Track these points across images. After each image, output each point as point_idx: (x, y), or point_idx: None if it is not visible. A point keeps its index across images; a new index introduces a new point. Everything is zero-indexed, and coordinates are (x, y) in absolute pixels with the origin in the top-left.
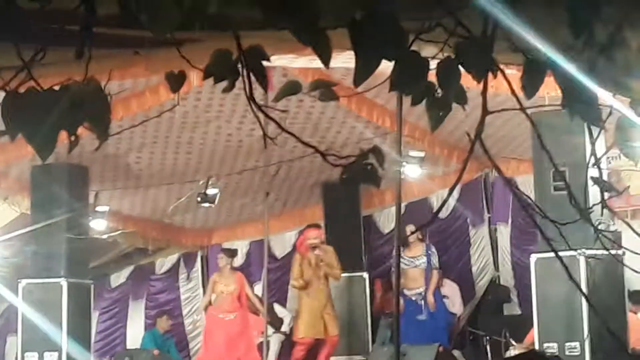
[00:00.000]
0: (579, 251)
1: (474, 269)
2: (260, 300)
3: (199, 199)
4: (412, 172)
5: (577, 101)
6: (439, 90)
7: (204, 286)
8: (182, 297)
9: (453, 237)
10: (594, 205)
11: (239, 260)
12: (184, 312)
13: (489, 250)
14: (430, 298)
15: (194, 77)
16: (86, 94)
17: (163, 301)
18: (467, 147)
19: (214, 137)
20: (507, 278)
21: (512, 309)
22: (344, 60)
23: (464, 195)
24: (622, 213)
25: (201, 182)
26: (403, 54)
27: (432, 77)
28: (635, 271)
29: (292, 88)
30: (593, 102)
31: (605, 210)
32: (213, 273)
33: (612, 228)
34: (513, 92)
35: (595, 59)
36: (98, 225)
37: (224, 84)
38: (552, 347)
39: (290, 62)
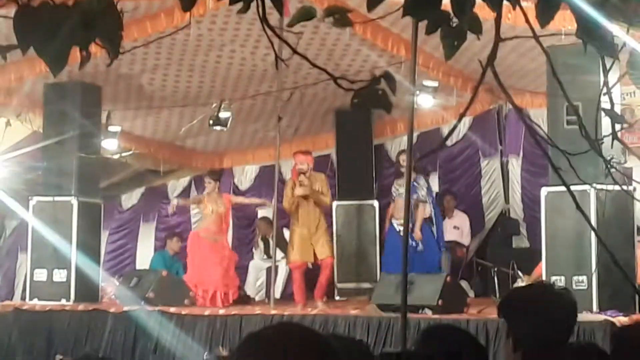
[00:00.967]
0: (590, 186)
1: (484, 200)
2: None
3: (211, 122)
4: (425, 101)
5: (591, 32)
6: (454, 19)
7: None
8: (193, 219)
9: (464, 166)
10: (604, 136)
11: (245, 184)
12: None
13: (500, 183)
14: (417, 231)
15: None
16: (98, 10)
17: (174, 223)
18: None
19: (228, 60)
20: (517, 211)
21: (521, 241)
22: None
23: (476, 126)
24: (635, 150)
25: (214, 106)
26: None
27: (447, 7)
28: None
29: (306, 13)
30: (607, 34)
31: (618, 147)
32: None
33: (625, 165)
34: (528, 21)
35: None
36: (110, 145)
37: (239, 5)
38: (559, 280)
39: None
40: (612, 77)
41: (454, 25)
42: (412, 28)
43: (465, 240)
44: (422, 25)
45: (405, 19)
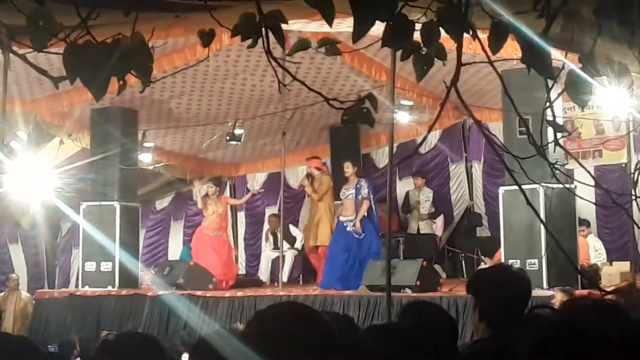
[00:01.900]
0: (538, 185)
1: (452, 198)
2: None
3: (227, 137)
4: (403, 117)
5: (533, 58)
6: (424, 48)
7: (231, 209)
8: None
9: (435, 170)
10: (548, 143)
11: (257, 188)
12: None
13: (466, 183)
14: (357, 224)
15: (225, 37)
16: (133, 47)
17: (198, 222)
18: (449, 98)
19: (240, 87)
20: (479, 206)
21: (483, 231)
22: (348, 25)
23: (445, 137)
24: (575, 154)
25: (230, 124)
26: (393, 16)
27: (418, 38)
28: (587, 200)
29: (303, 44)
30: (547, 59)
31: (561, 152)
32: (238, 196)
33: (567, 167)
34: (484, 49)
35: (550, 23)
36: (145, 158)
37: (249, 41)
38: (516, 263)
39: (304, 26)
40: (555, 94)
41: (424, 53)
42: (390, 57)
43: (438, 231)
44: (399, 54)
45: (385, 50)
